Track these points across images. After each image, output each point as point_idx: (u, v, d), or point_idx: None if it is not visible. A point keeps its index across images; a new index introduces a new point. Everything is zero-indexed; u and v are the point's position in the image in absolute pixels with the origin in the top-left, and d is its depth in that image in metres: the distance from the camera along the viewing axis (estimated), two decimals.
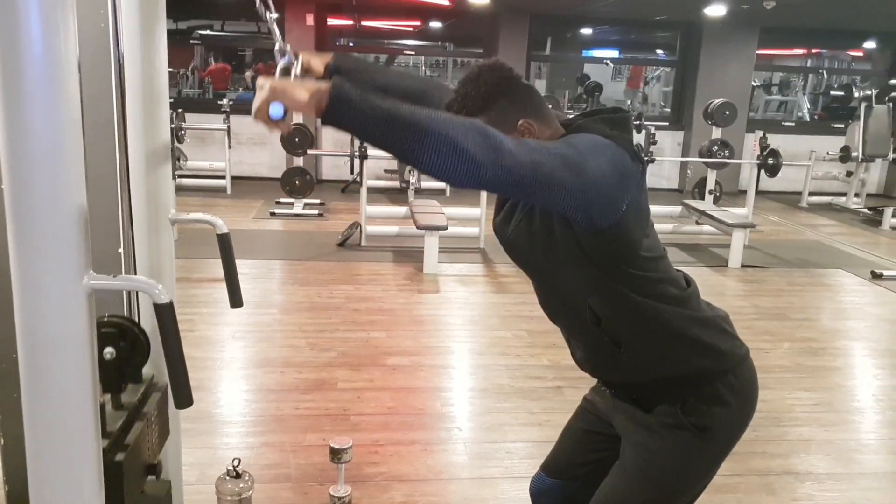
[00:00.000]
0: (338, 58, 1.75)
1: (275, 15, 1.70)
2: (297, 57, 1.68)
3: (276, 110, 1.26)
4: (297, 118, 8.37)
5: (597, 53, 15.58)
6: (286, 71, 1.64)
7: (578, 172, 1.38)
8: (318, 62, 1.73)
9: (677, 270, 1.68)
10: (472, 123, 1.31)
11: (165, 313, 1.30)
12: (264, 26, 1.69)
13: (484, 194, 6.91)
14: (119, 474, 1.46)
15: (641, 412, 1.67)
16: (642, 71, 16.47)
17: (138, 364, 1.65)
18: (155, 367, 1.80)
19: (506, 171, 1.30)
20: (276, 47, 1.65)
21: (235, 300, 1.94)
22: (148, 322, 1.76)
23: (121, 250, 1.83)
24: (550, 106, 1.64)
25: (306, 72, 1.72)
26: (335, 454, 2.73)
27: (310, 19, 9.80)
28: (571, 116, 1.66)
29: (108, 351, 1.57)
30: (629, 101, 15.21)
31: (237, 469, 2.39)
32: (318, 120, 1.26)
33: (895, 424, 3.83)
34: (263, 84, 1.27)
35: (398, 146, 1.27)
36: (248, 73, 13.83)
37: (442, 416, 3.67)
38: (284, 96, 1.25)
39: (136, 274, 1.79)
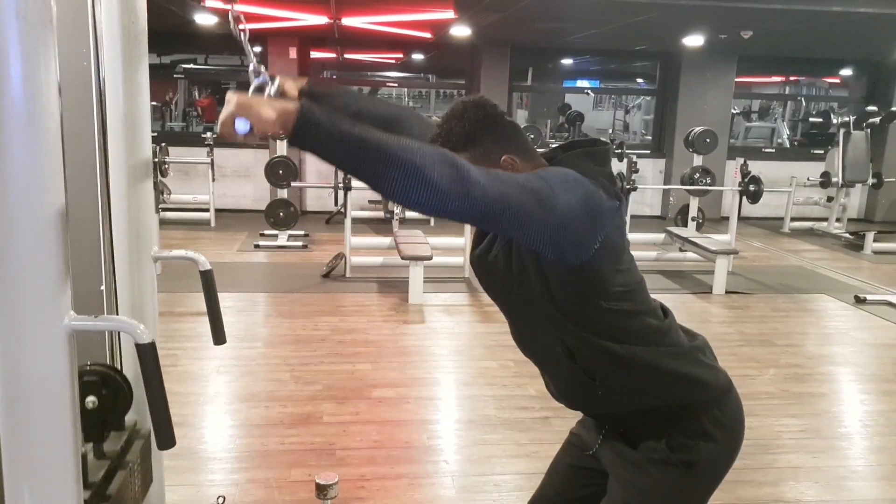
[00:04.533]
0: (312, 83, 1.74)
1: (245, 27, 1.70)
2: (272, 79, 1.67)
3: (241, 126, 1.24)
4: (282, 149, 8.39)
5: (578, 83, 15.77)
6: (260, 89, 1.63)
7: (547, 208, 1.38)
8: (293, 86, 1.72)
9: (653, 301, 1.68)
10: (440, 153, 1.31)
11: (147, 353, 1.28)
12: (247, 59, 1.68)
13: (468, 225, 6.93)
14: None
15: (628, 448, 1.66)
16: None
17: (120, 412, 1.63)
18: (138, 413, 1.78)
19: (472, 202, 1.30)
20: (251, 67, 1.63)
21: (218, 337, 1.92)
22: (130, 368, 1.75)
23: (103, 288, 1.82)
24: (532, 136, 1.65)
25: (281, 95, 1.70)
26: (321, 490, 2.69)
27: (293, 52, 9.85)
28: (553, 147, 1.66)
29: (91, 400, 1.53)
30: (610, 130, 15.34)
31: None
32: (288, 141, 1.25)
33: (883, 450, 3.83)
34: (231, 98, 1.25)
35: (364, 171, 1.27)
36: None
37: (429, 448, 3.64)
38: (250, 112, 1.23)
39: (118, 313, 1.77)
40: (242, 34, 1.69)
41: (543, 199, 1.38)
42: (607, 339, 1.55)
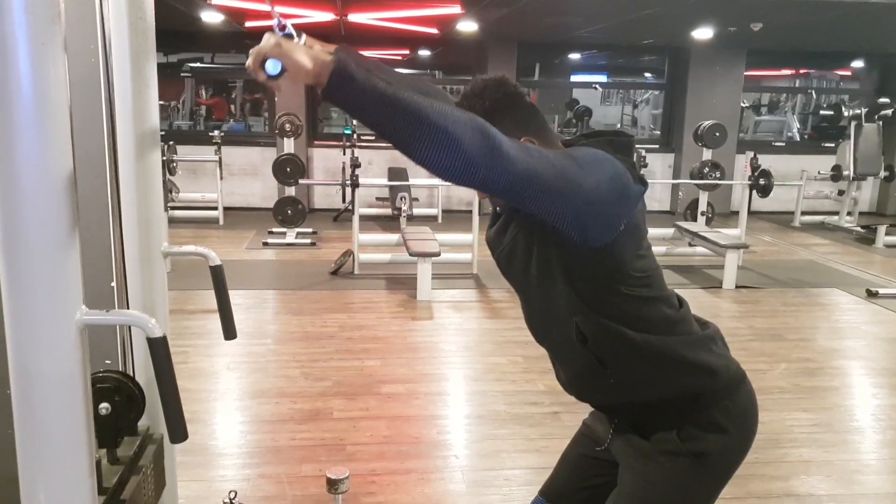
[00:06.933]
0: (342, 48, 1.61)
1: None
2: (299, 34, 1.50)
3: (272, 67, 1.21)
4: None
5: (585, 78, 15.71)
6: (289, 38, 1.54)
7: (576, 185, 1.37)
8: (321, 49, 1.63)
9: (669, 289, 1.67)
10: (473, 121, 1.27)
11: (159, 347, 1.28)
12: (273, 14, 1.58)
13: (476, 220, 6.93)
14: None
15: (639, 438, 1.65)
16: None
17: (133, 418, 1.65)
18: (150, 418, 1.79)
19: (500, 173, 1.28)
20: (276, 22, 1.56)
21: (229, 332, 1.93)
22: (142, 374, 1.76)
23: (113, 284, 1.83)
24: None
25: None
26: (332, 485, 2.70)
27: None
28: (576, 136, 1.64)
29: (104, 406, 1.56)
30: (619, 125, 15.30)
31: (233, 502, 2.36)
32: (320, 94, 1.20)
33: (895, 444, 3.81)
34: (269, 38, 1.22)
35: (394, 132, 1.24)
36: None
37: (438, 444, 3.64)
38: (285, 55, 1.21)
39: (129, 308, 1.78)
40: None
41: (572, 176, 1.36)
42: (622, 325, 1.54)
